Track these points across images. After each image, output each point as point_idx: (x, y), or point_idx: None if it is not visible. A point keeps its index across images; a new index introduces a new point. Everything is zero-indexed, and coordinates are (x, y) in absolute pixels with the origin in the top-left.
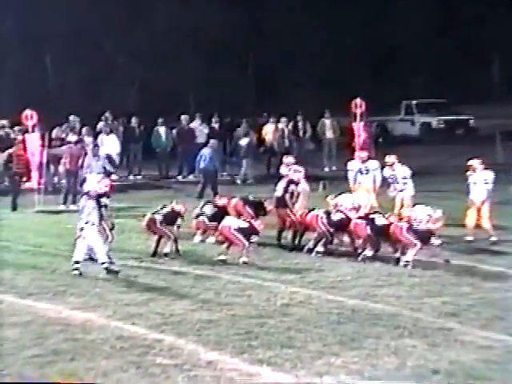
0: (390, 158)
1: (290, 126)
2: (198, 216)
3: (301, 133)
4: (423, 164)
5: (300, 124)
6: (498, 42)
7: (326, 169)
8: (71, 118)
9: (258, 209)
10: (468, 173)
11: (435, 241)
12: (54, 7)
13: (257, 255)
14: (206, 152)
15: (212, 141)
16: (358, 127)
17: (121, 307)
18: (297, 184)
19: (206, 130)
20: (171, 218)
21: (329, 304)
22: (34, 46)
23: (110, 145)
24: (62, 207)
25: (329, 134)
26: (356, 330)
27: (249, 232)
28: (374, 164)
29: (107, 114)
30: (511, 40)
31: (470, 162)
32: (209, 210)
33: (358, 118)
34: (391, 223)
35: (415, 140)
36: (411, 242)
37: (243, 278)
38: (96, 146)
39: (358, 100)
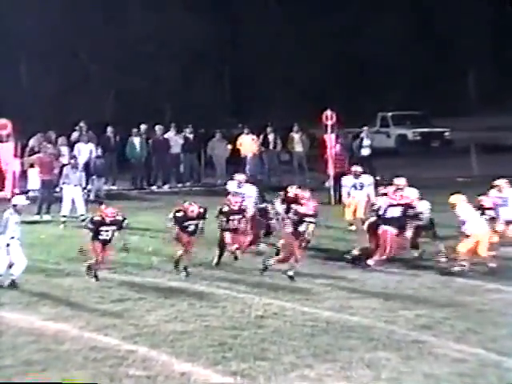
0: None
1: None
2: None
3: (271, 145)
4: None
5: (270, 136)
6: (474, 55)
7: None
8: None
9: None
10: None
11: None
12: (29, 15)
13: (231, 267)
14: None
15: None
16: (330, 139)
17: (94, 318)
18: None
19: (181, 141)
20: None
21: (303, 316)
22: (7, 54)
23: (88, 154)
24: (36, 217)
25: (298, 148)
26: (330, 342)
27: None
28: (368, 179)
29: (82, 124)
30: (486, 53)
31: (497, 182)
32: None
33: (329, 129)
34: None
35: (391, 152)
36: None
37: (217, 290)
38: (74, 157)
39: (329, 112)
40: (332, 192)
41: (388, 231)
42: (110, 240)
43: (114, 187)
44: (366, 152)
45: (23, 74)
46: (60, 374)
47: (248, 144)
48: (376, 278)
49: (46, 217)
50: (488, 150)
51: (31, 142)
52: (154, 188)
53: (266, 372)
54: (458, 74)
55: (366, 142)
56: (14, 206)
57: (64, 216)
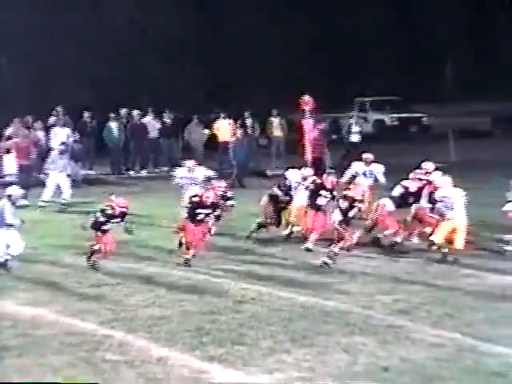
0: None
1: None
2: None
3: (249, 130)
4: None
5: (248, 121)
6: (451, 42)
7: (272, 165)
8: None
9: None
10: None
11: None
12: (4, 4)
13: (208, 254)
14: None
15: None
16: (308, 124)
17: (71, 303)
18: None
19: (159, 126)
20: None
21: (280, 301)
22: None
23: (64, 138)
24: None
25: (276, 133)
26: (307, 327)
27: None
28: (378, 167)
29: (59, 108)
30: (463, 40)
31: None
32: None
33: (307, 114)
34: None
35: (369, 137)
36: None
37: (195, 275)
38: (63, 143)
39: (307, 97)
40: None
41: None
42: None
43: (92, 172)
44: (355, 138)
45: (4, 65)
46: (37, 359)
47: (225, 129)
48: (354, 263)
49: (23, 201)
50: (465, 136)
51: (9, 130)
52: (131, 173)
53: (243, 357)
54: (436, 60)
55: (355, 128)
56: (9, 196)
57: (43, 201)
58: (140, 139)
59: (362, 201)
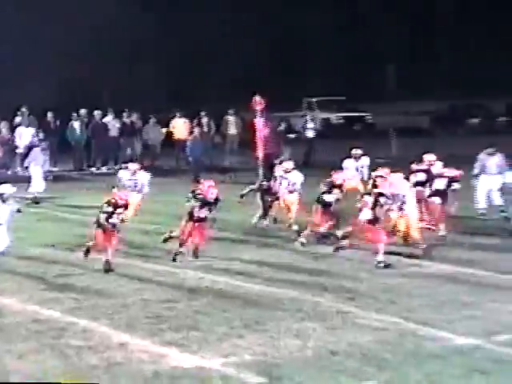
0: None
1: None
2: None
3: (205, 129)
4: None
5: (204, 121)
6: (392, 44)
7: (227, 162)
8: None
9: None
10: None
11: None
12: None
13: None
14: None
15: None
16: (259, 123)
17: (37, 292)
18: None
19: (118, 125)
20: None
21: (234, 289)
22: None
23: (30, 137)
24: None
25: (232, 130)
26: (260, 313)
27: None
28: (366, 160)
29: (23, 109)
30: (404, 42)
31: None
32: None
33: (258, 114)
34: None
35: (317, 134)
36: None
37: (154, 266)
38: (42, 140)
39: (258, 97)
40: (261, 172)
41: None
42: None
43: (55, 169)
44: (310, 134)
45: None
46: (4, 346)
47: (181, 127)
48: (306, 254)
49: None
50: (406, 133)
51: None
52: (93, 169)
53: (199, 342)
54: (379, 62)
55: (310, 124)
56: (1, 195)
57: (36, 193)
58: (101, 138)
59: (340, 186)
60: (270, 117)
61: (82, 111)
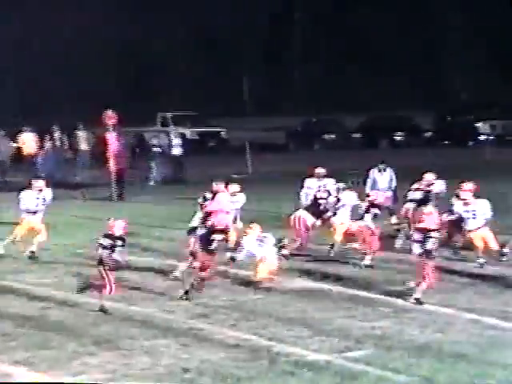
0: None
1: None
2: None
3: (57, 143)
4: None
5: (56, 135)
6: (248, 60)
7: (78, 177)
8: None
9: None
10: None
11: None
12: None
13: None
14: None
15: None
16: (111, 137)
17: None
18: None
19: None
20: None
21: (86, 306)
22: None
23: None
24: None
25: (83, 146)
26: (111, 331)
27: None
28: (331, 182)
29: None
30: (259, 59)
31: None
32: None
33: (111, 128)
34: None
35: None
36: None
37: (10, 283)
38: None
39: (110, 112)
40: (113, 187)
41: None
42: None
43: None
44: (176, 151)
45: None
46: None
47: (30, 142)
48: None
49: None
50: (262, 149)
51: None
52: None
53: (49, 360)
54: (234, 77)
55: (176, 141)
56: None
57: None
58: None
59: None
60: (122, 131)
61: None
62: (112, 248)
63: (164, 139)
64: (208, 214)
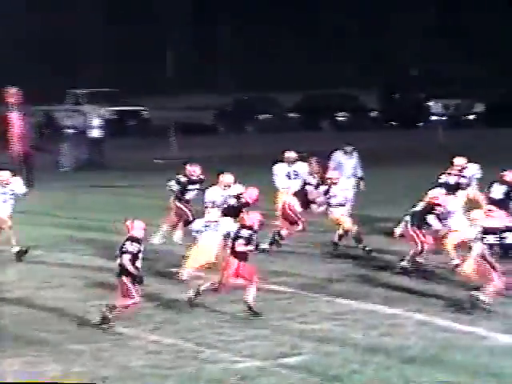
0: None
1: None
2: None
3: None
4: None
5: None
6: (172, 33)
7: None
8: None
9: None
10: None
11: None
12: None
13: None
14: None
15: None
16: (13, 117)
17: None
18: None
19: None
20: None
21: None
22: None
23: None
24: None
25: None
26: (19, 336)
27: None
28: (303, 167)
29: None
30: (185, 32)
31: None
32: None
33: (13, 107)
34: None
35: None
36: None
37: None
38: None
39: (13, 89)
40: (24, 173)
41: None
42: None
43: None
44: (96, 133)
45: None
46: None
47: None
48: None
49: None
50: (188, 131)
51: None
52: None
53: None
54: (156, 51)
55: (96, 121)
56: None
57: None
58: None
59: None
60: (28, 110)
61: None
62: (137, 254)
63: (78, 119)
64: None
